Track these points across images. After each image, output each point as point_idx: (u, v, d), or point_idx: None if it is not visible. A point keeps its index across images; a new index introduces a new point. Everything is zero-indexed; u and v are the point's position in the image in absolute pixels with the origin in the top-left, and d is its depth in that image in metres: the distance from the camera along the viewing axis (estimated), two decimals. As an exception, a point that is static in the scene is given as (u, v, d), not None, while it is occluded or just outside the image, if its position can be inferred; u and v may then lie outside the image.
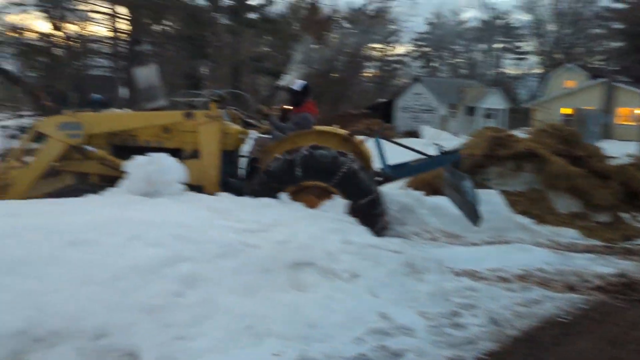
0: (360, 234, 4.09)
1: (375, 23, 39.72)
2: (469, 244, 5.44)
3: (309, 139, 4.98)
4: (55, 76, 16.37)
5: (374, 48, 46.78)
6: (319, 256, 3.58)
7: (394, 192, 6.15)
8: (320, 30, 35.19)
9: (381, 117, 27.89)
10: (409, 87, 30.60)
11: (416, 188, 6.69)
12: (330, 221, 4.12)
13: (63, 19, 16.59)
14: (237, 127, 5.49)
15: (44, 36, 16.65)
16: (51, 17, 15.86)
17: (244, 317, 2.93)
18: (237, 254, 3.34)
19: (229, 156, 5.21)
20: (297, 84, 5.67)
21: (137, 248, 3.06)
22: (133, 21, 15.86)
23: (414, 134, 24.52)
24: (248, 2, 28.73)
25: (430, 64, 52.82)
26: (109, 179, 5.06)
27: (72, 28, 18.12)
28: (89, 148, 5.04)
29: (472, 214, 5.07)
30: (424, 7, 55.72)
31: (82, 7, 17.98)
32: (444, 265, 4.10)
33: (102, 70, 19.82)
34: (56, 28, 16.46)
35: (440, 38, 50.40)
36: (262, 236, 3.65)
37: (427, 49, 52.50)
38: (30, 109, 14.79)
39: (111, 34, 18.09)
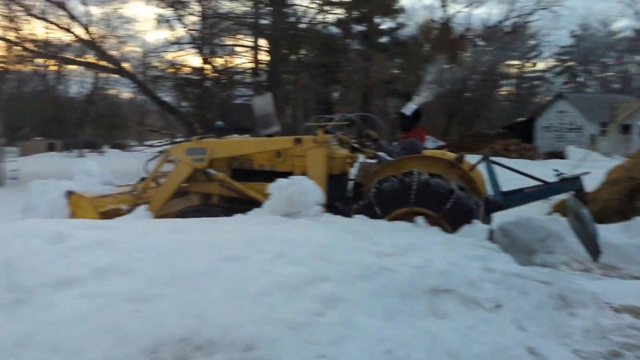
0: (503, 261, 3.88)
1: (513, 39, 37.93)
2: (629, 277, 4.89)
3: (415, 163, 4.90)
4: (205, 105, 17.98)
5: (511, 65, 44.70)
6: (459, 283, 3.46)
7: (539, 217, 5.75)
8: (453, 50, 34.54)
9: (520, 136, 26.38)
10: (552, 105, 28.58)
11: (564, 214, 6.20)
12: (470, 247, 3.97)
13: (212, 54, 18.29)
14: (344, 151, 5.59)
15: (196, 70, 18.46)
16: (202, 53, 17.52)
17: (383, 340, 2.92)
18: (375, 277, 3.35)
19: (336, 180, 5.33)
20: (409, 108, 5.66)
21: (282, 266, 3.22)
22: (272, 52, 16.91)
23: (558, 154, 22.78)
24: (379, 27, 29.27)
25: (576, 79, 48.92)
26: (228, 200, 5.58)
27: (219, 62, 19.90)
28: (212, 171, 5.42)
29: (593, 247, 4.59)
30: (567, 19, 51.97)
31: (228, 42, 19.68)
32: (599, 299, 3.71)
33: (244, 99, 21.42)
34: (206, 62, 18.13)
35: (587, 51, 46.54)
36: (399, 260, 3.63)
37: (571, 63, 48.82)
38: (184, 135, 16.39)
39: (252, 65, 19.52)
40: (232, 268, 3.11)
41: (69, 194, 5.29)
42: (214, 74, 17.85)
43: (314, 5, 16.07)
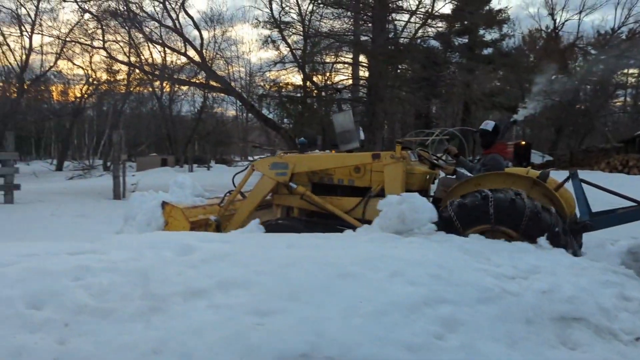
0: (641, 289, 3.52)
1: (630, 46, 35.06)
2: None
3: (496, 180, 4.85)
4: (305, 122, 18.42)
5: (628, 74, 41.30)
6: (591, 311, 3.19)
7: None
8: (562, 59, 32.63)
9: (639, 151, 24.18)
10: (678, 116, 25.89)
11: None
12: (601, 272, 3.65)
13: (314, 71, 18.76)
14: (423, 167, 5.62)
15: (298, 87, 19.02)
16: (304, 71, 18.01)
17: (509, 369, 2.75)
18: (497, 301, 3.19)
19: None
20: (488, 124, 5.67)
21: (398, 285, 3.16)
22: (370, 68, 16.97)
23: (687, 171, 20.57)
24: (483, 39, 28.40)
25: None
26: (308, 213, 5.76)
27: (320, 79, 20.35)
28: (293, 185, 5.61)
29: None
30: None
31: (328, 59, 20.08)
32: None
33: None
34: (308, 80, 18.61)
35: None
36: (521, 283, 3.43)
37: (701, 70, 44.10)
38: (286, 150, 16.85)
39: (350, 82, 19.73)
40: (348, 285, 3.10)
41: (164, 204, 5.65)
42: (315, 91, 18.27)
43: (416, 20, 15.96)
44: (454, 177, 5.60)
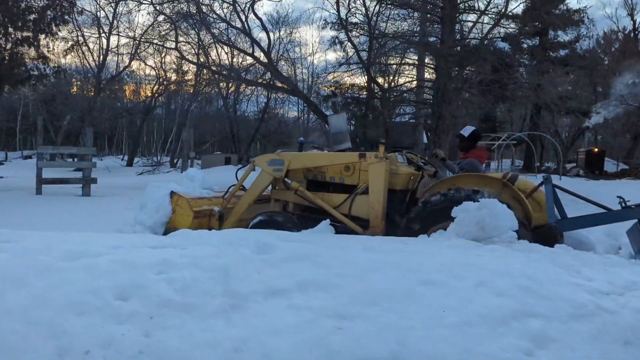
0: None
1: None
2: None
3: (469, 181, 5.16)
4: (368, 124, 18.29)
5: None
6: (699, 336, 2.91)
7: None
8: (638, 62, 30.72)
9: None
10: None
11: None
12: None
13: (379, 73, 18.61)
14: (408, 169, 5.87)
15: (363, 89, 18.92)
16: (368, 73, 17.89)
17: (608, 393, 2.54)
18: (591, 318, 2.96)
19: (399, 195, 5.60)
20: (466, 130, 6.09)
21: (484, 295, 3.01)
22: (438, 69, 16.61)
23: None
24: (557, 40, 27.19)
25: None
26: (302, 208, 6.10)
27: (384, 80, 20.16)
28: (288, 180, 5.94)
29: None
30: None
31: (393, 61, 19.86)
32: None
33: (407, 117, 21.35)
34: (372, 82, 18.47)
35: None
36: (618, 300, 3.18)
37: None
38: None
39: (415, 84, 19.40)
40: (431, 293, 2.98)
41: (172, 194, 6.09)
42: (379, 93, 18.10)
43: (487, 20, 15.46)
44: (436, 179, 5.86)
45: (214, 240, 3.55)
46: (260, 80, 19.76)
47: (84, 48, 30.76)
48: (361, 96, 18.37)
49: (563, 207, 5.41)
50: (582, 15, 24.03)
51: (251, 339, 2.57)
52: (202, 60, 21.77)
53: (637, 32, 36.55)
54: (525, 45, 26.06)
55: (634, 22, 36.19)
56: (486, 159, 6.08)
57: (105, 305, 2.64)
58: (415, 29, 16.77)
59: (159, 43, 19.71)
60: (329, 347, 2.57)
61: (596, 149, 31.34)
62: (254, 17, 17.23)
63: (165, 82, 33.83)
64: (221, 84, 27.33)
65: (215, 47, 24.43)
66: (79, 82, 34.66)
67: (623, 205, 5.21)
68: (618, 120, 34.59)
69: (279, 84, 17.67)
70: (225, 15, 16.73)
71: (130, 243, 3.42)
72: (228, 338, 2.58)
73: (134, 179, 21.99)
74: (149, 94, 37.04)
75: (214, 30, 17.31)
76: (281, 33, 26.67)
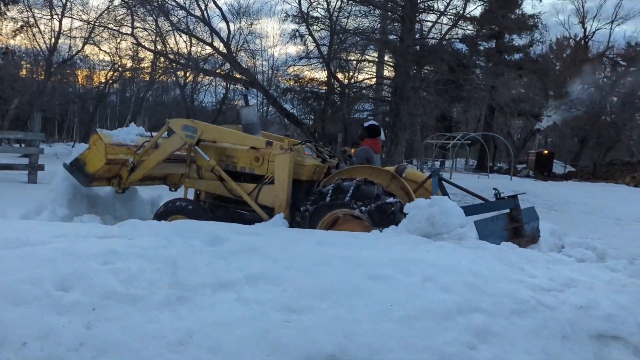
0: (684, 310, 3.37)
1: (661, 59, 34.30)
2: None
3: (361, 172, 5.51)
4: (327, 119, 18.32)
5: (657, 87, 40.44)
6: (630, 331, 3.06)
7: None
8: (589, 70, 32.06)
9: (667, 167, 23.67)
10: None
11: None
12: (641, 289, 3.51)
13: (339, 69, 18.66)
14: (314, 161, 6.09)
15: (322, 84, 18.93)
16: (329, 68, 17.91)
17: (544, 386, 2.64)
18: (532, 313, 3.07)
19: (305, 185, 5.82)
20: (367, 123, 6.62)
21: (431, 290, 3.06)
22: (397, 68, 16.81)
23: None
24: (512, 44, 28.00)
25: None
26: (214, 198, 6.26)
27: (345, 76, 20.24)
28: (202, 152, 5.99)
29: None
30: None
31: (353, 57, 19.95)
32: None
33: (365, 113, 21.52)
34: (332, 77, 18.51)
35: None
36: (558, 297, 3.31)
37: None
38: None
39: (374, 81, 19.57)
40: (379, 287, 3.01)
41: (95, 131, 6.18)
42: (339, 88, 18.15)
43: (446, 21, 15.72)
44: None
45: (163, 231, 3.47)
46: (218, 71, 19.45)
47: (35, 30, 29.41)
48: (320, 91, 18.37)
49: (450, 197, 5.65)
50: (536, 20, 24.81)
51: (198, 331, 2.54)
52: (159, 47, 21.23)
53: (587, 40, 38.06)
54: (482, 48, 26.71)
55: (585, 30, 37.68)
56: (380, 151, 6.55)
57: (45, 295, 2.54)
58: (375, 27, 16.88)
59: (114, 28, 19.08)
60: (276, 340, 2.56)
61: (546, 151, 32.54)
62: (214, 5, 16.88)
63: (120, 69, 32.79)
64: (179, 72, 26.71)
65: (174, 35, 23.86)
66: (28, 65, 33.13)
67: (497, 197, 5.75)
68: (567, 124, 36.01)
69: (238, 75, 17.43)
70: (184, 3, 16.34)
71: (75, 232, 3.30)
72: (174, 330, 2.53)
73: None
74: (103, 80, 35.80)
75: (173, 18, 16.89)
76: (242, 24, 26.28)
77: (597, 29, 37.84)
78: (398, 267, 3.22)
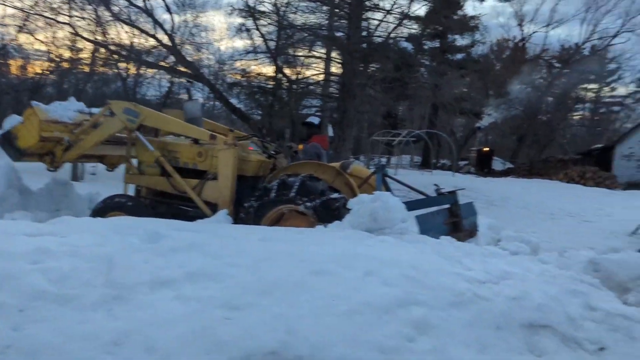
0: (607, 299, 3.59)
1: (591, 62, 36.29)
2: None
3: (307, 168, 5.49)
4: (275, 114, 18.22)
5: (588, 89, 42.74)
6: (559, 320, 3.22)
7: (636, 253, 5.33)
8: (527, 71, 33.46)
9: (596, 164, 25.07)
10: (634, 132, 26.94)
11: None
12: (570, 281, 3.71)
13: (286, 64, 18.55)
14: (259, 156, 6.07)
15: (269, 79, 18.78)
16: (276, 63, 17.80)
17: (479, 374, 2.73)
18: (469, 305, 3.17)
19: (250, 181, 5.78)
20: (314, 119, 6.63)
21: (372, 284, 3.11)
22: (344, 65, 16.94)
23: (639, 185, 21.41)
24: (454, 44, 28.79)
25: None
26: (154, 194, 6.11)
27: (292, 72, 20.14)
28: (143, 139, 5.82)
29: None
30: (653, 44, 49.15)
31: (302, 53, 19.90)
32: None
33: (313, 109, 21.55)
34: (280, 72, 18.41)
35: (674, 78, 43.78)
36: (493, 289, 3.43)
37: (655, 90, 46.10)
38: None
39: (322, 77, 19.62)
40: (322, 282, 3.02)
41: (31, 104, 5.90)
42: (286, 84, 18.08)
43: (391, 19, 15.95)
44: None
45: (99, 228, 3.34)
46: (162, 64, 18.92)
47: (-38, 15, 27.62)
48: (268, 85, 18.23)
49: (393, 193, 5.80)
50: (477, 21, 25.62)
51: (133, 331, 2.46)
52: (99, 38, 20.42)
53: (525, 42, 39.64)
54: (426, 47, 27.31)
55: (523, 32, 39.20)
56: (327, 147, 6.58)
57: (-33, 297, 2.40)
58: (323, 23, 16.92)
59: (50, 17, 18.16)
60: (216, 337, 2.52)
61: (486, 149, 33.72)
62: (157, -4, 16.41)
63: (57, 59, 31.30)
64: (120, 64, 25.79)
65: (115, 25, 23.02)
66: (-45, 53, 31.08)
67: (438, 192, 5.95)
68: (506, 122, 37.47)
69: (183, 69, 17.03)
70: (126, -8, 15.79)
71: (3, 230, 3.13)
72: (108, 330, 2.44)
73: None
74: (39, 71, 34.05)
75: (114, 8, 16.28)
76: (187, 16, 25.67)
77: (534, 32, 39.45)
78: (341, 262, 3.25)
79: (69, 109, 6.32)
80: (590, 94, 44.18)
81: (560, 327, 3.19)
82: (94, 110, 6.54)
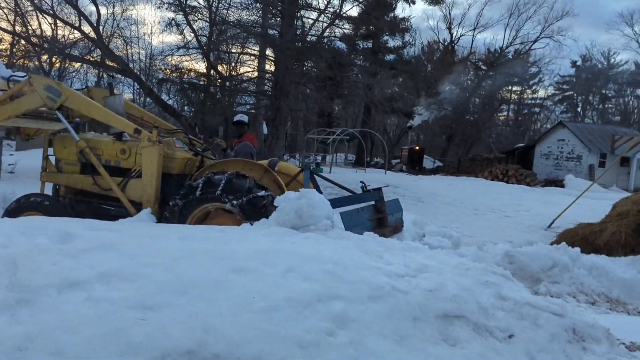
0: (516, 289, 3.80)
1: (515, 65, 38.29)
2: (636, 313, 4.81)
3: (234, 166, 5.48)
4: (207, 111, 17.91)
5: (511, 90, 45.01)
6: (472, 310, 3.38)
7: (547, 246, 5.69)
8: (455, 72, 34.81)
9: (518, 162, 26.47)
10: (552, 132, 28.67)
11: (572, 244, 6.14)
12: (482, 272, 3.88)
13: (219, 60, 18.31)
14: (185, 153, 5.95)
15: (201, 75, 18.44)
16: (208, 59, 17.49)
17: (395, 365, 2.82)
18: (387, 298, 3.26)
19: (175, 179, 5.66)
20: (243, 117, 6.71)
21: (292, 280, 3.12)
22: (277, 62, 16.92)
23: (556, 182, 22.80)
24: (386, 45, 29.45)
25: (577, 109, 49.34)
26: (74, 192, 5.88)
27: (225, 68, 19.90)
28: (62, 117, 5.53)
29: None
30: (570, 49, 52.53)
31: (234, 50, 19.69)
32: (613, 336, 3.63)
33: (247, 107, 21.37)
34: (212, 68, 18.11)
35: (587, 82, 46.99)
36: (411, 282, 3.54)
37: (571, 93, 49.26)
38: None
39: (256, 74, 19.51)
40: (242, 280, 3.01)
41: None
42: (219, 80, 17.82)
43: (324, 19, 16.09)
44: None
45: (4, 228, 3.15)
46: (87, 57, 18.11)
47: None
48: (200, 82, 17.88)
49: (320, 190, 5.93)
50: (407, 23, 26.33)
51: (39, 335, 2.35)
52: (19, 29, 19.27)
53: (453, 45, 41.18)
54: (359, 47, 27.77)
55: (452, 35, 40.74)
56: (257, 145, 6.69)
57: None
58: (256, 20, 16.80)
59: (-39, 3, 16.93)
60: (129, 339, 2.45)
61: (417, 147, 34.77)
62: (81, -14, 15.67)
63: (-29, 49, 29.19)
64: (42, 57, 24.44)
65: (37, 15, 21.79)
66: None
67: (364, 189, 6.11)
68: (436, 122, 38.78)
69: (110, 63, 16.39)
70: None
71: None
72: (11, 336, 2.32)
73: None
74: (-49, 61, 31.61)
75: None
76: (115, 8, 24.70)
77: (462, 35, 41.12)
78: (262, 259, 3.24)
79: None
80: (514, 96, 46.58)
81: (472, 317, 3.34)
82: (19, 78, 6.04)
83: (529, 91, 47.08)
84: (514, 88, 44.80)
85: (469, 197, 14.71)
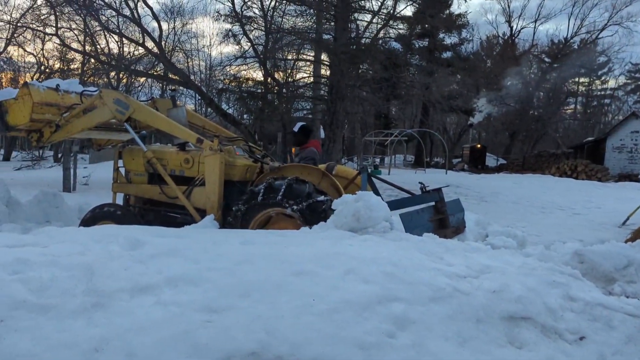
0: (586, 289, 3.63)
1: (581, 55, 36.52)
2: None
3: (293, 171, 5.55)
4: (265, 118, 18.27)
5: (579, 82, 42.95)
6: (538, 311, 3.26)
7: (620, 244, 5.39)
8: (517, 67, 33.65)
9: (588, 157, 25.19)
10: (624, 124, 27.07)
11: (647, 241, 5.78)
12: (549, 272, 3.74)
13: (275, 68, 18.62)
14: (245, 160, 6.09)
15: (259, 83, 18.83)
16: (265, 67, 17.86)
17: (458, 367, 2.77)
18: (449, 300, 3.21)
19: (237, 186, 5.80)
20: (297, 126, 6.63)
21: (351, 282, 3.14)
22: (332, 67, 17.02)
23: (631, 177, 21.53)
24: (442, 42, 28.93)
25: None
26: (143, 201, 6.12)
27: (281, 75, 20.22)
28: (131, 131, 5.82)
29: None
30: (641, 35, 49.48)
31: (290, 56, 19.97)
32: (696, 337, 3.39)
33: (304, 112, 21.62)
34: (269, 76, 18.46)
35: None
36: (473, 283, 3.47)
37: (645, 82, 46.40)
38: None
39: (312, 80, 19.69)
40: (301, 283, 3.06)
41: (26, 84, 5.79)
42: (276, 87, 18.14)
43: (378, 20, 16.04)
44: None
45: (81, 237, 3.37)
46: (151, 72, 18.97)
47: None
48: (257, 90, 18.28)
49: (379, 192, 5.90)
50: (463, 19, 25.74)
51: (113, 337, 2.49)
52: (88, 48, 20.45)
53: (514, 38, 39.89)
54: (415, 47, 27.43)
55: (511, 28, 39.46)
56: (320, 151, 6.71)
57: (-54, 310, 2.42)
58: (310, 26, 16.98)
59: (37, 28, 18.19)
60: (196, 340, 2.55)
61: (479, 145, 33.89)
62: (144, 5, 16.44)
63: (47, 71, 31.29)
64: (110, 73, 25.83)
65: (104, 34, 23.06)
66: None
67: (423, 190, 6.01)
68: (498, 118, 37.64)
69: (173, 76, 17.08)
70: (112, 2, 15.83)
71: (-16, 242, 3.15)
72: (88, 338, 2.47)
73: (10, 174, 20.14)
74: (29, 83, 33.93)
75: (102, 17, 16.32)
76: (175, 23, 25.74)
77: (523, 28, 39.71)
78: (321, 262, 3.28)
79: (70, 88, 6.25)
80: (581, 88, 44.46)
81: (539, 318, 3.23)
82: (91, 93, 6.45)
83: (597, 82, 44.79)
84: (582, 79, 42.76)
85: (535, 194, 14.17)
